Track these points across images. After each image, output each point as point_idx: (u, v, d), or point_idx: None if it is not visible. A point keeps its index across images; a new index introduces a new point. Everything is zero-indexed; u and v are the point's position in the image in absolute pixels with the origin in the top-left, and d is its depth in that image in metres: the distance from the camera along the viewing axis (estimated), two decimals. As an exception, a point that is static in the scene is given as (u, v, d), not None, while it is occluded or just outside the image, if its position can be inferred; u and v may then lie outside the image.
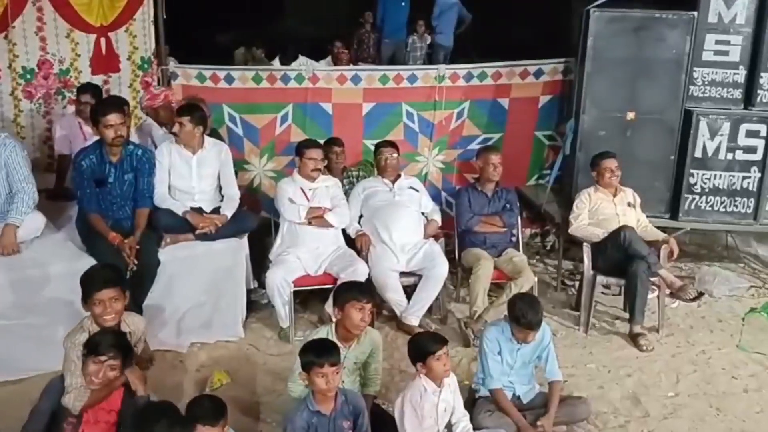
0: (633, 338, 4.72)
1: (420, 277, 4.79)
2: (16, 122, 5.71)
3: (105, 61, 5.84)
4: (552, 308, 5.19)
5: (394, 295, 4.75)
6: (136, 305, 4.16)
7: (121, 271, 3.35)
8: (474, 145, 5.93)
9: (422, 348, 3.27)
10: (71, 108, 5.55)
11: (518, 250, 5.16)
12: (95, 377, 2.98)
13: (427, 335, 3.39)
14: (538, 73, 5.95)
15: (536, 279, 4.82)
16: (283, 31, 10.52)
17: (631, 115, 5.43)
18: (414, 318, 4.73)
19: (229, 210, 4.64)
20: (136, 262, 4.16)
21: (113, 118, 4.17)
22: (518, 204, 5.32)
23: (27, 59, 5.65)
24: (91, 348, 3.01)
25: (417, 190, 5.22)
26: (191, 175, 4.63)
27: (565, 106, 5.96)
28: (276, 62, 7.92)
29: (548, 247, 6.29)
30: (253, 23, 9.91)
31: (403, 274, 4.82)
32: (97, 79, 5.75)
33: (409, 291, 4.81)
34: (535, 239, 6.39)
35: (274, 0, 11.82)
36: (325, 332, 3.48)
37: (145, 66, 5.88)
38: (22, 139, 5.63)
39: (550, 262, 6.06)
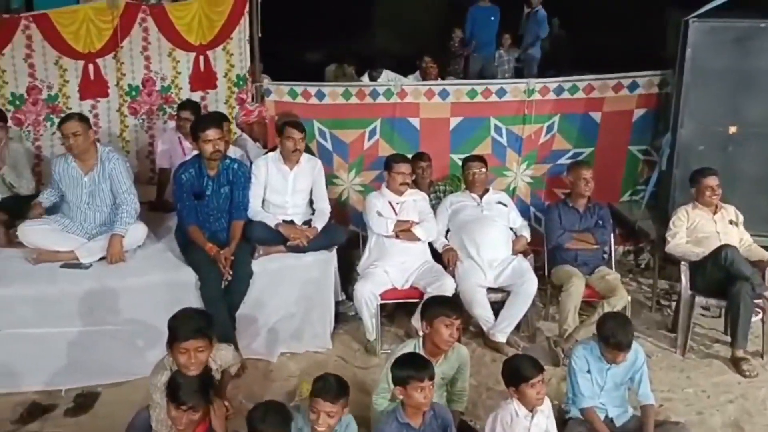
0: (735, 363, 4.49)
1: (508, 293, 4.73)
2: (122, 137, 6.03)
3: (203, 78, 6.10)
4: (646, 329, 5.01)
5: (482, 311, 4.70)
6: (230, 315, 4.32)
7: (212, 319, 3.29)
8: (564, 160, 5.82)
9: (517, 373, 3.20)
10: (172, 123, 5.80)
11: (611, 268, 5.02)
12: (179, 424, 2.93)
13: (523, 360, 3.29)
14: (633, 86, 5.77)
15: (630, 298, 4.66)
16: (373, 47, 10.66)
17: (732, 129, 5.19)
18: (501, 335, 4.67)
19: (319, 223, 4.72)
20: (231, 272, 4.30)
21: (212, 133, 4.34)
22: (611, 220, 5.16)
23: (133, 77, 5.97)
24: (173, 395, 2.93)
25: (505, 205, 5.17)
26: (286, 189, 4.74)
27: (660, 119, 5.75)
28: (365, 78, 8.02)
29: (642, 266, 6.08)
30: (344, 39, 10.09)
31: (490, 290, 4.77)
32: (196, 96, 6.01)
33: (497, 307, 4.76)
34: (628, 257, 6.18)
35: (364, 17, 12.01)
36: (413, 346, 3.49)
37: (241, 83, 6.10)
38: (126, 153, 5.97)
39: (644, 281, 5.84)
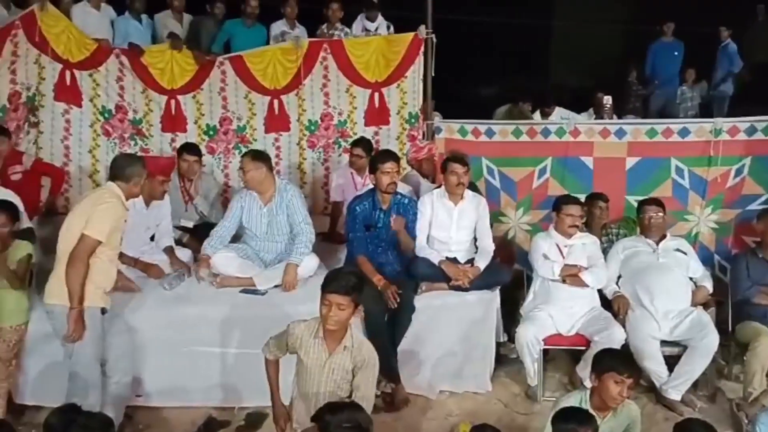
0: None
1: (685, 347, 4.41)
2: (300, 169, 6.39)
3: (377, 114, 6.33)
4: None
5: (654, 366, 4.41)
6: (392, 347, 4.38)
7: (361, 285, 3.26)
8: (755, 206, 5.34)
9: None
10: (346, 158, 6.06)
11: (807, 329, 4.51)
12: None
13: (698, 425, 3.06)
14: (838, 128, 5.22)
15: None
16: (547, 83, 10.51)
17: None
18: (676, 392, 4.36)
19: (482, 262, 4.69)
20: (396, 304, 4.38)
21: (390, 165, 4.52)
22: (808, 276, 4.66)
23: (313, 112, 6.32)
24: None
25: (684, 253, 4.83)
26: (451, 225, 4.77)
27: None
28: (536, 115, 7.90)
29: None
30: (517, 75, 10.04)
31: (664, 342, 4.47)
32: (369, 131, 6.25)
33: (671, 362, 4.44)
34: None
35: (539, 52, 11.88)
36: (578, 398, 3.35)
37: (412, 120, 6.25)
38: (303, 184, 6.32)
39: None
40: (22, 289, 3.99)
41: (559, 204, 4.78)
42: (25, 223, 4.52)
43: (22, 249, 4.01)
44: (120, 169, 3.89)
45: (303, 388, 3.30)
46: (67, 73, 5.94)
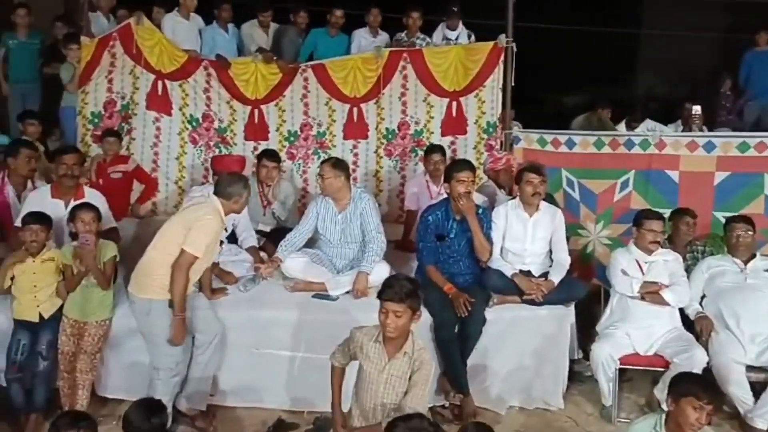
0: None
1: (773, 374, 4.17)
2: (377, 176, 6.44)
3: (454, 124, 6.31)
4: None
5: (738, 391, 4.19)
6: (462, 358, 4.34)
7: (417, 292, 3.26)
8: None
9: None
10: (421, 167, 6.06)
11: None
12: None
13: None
14: None
15: None
16: (635, 92, 10.17)
17: None
18: (762, 421, 4.13)
19: (557, 276, 4.58)
20: (466, 313, 4.35)
21: (465, 174, 4.48)
22: None
23: (390, 121, 6.37)
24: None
25: (775, 274, 4.57)
26: (525, 237, 4.69)
27: None
28: (621, 126, 7.66)
29: None
30: (603, 84, 9.78)
31: (750, 368, 4.24)
32: (445, 141, 6.23)
33: (758, 388, 4.21)
34: None
35: (627, 60, 11.52)
36: (653, 422, 3.24)
37: (490, 130, 6.19)
38: (379, 192, 6.36)
39: None
40: (106, 291, 4.18)
41: (640, 218, 4.62)
42: (110, 223, 4.74)
43: (109, 250, 4.21)
44: (223, 187, 4.14)
45: (361, 393, 3.33)
46: (159, 83, 6.22)
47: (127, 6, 6.85)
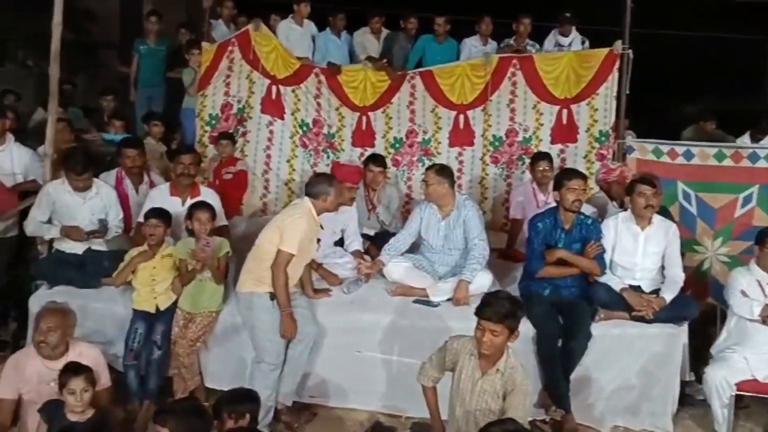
0: None
1: None
2: (482, 184, 6.37)
3: (564, 132, 6.16)
4: None
5: None
6: (564, 373, 4.23)
7: (516, 311, 3.22)
8: None
9: None
10: (528, 175, 5.95)
11: None
12: None
13: None
14: None
15: None
16: (763, 102, 9.54)
17: None
18: None
19: (669, 293, 4.37)
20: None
21: (576, 183, 4.40)
22: None
23: (498, 128, 6.29)
24: None
25: None
26: (636, 251, 4.51)
27: None
28: (746, 138, 7.21)
29: None
30: (729, 93, 9.24)
31: None
32: (554, 149, 6.08)
33: None
34: None
35: (754, 69, 10.82)
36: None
37: (603, 139, 6.00)
38: (483, 200, 6.29)
39: None
40: (220, 285, 4.37)
41: (763, 237, 4.34)
42: (222, 221, 4.94)
43: (224, 246, 4.39)
44: (311, 187, 4.37)
45: (455, 405, 3.30)
46: (273, 88, 6.43)
47: (246, 13, 7.13)
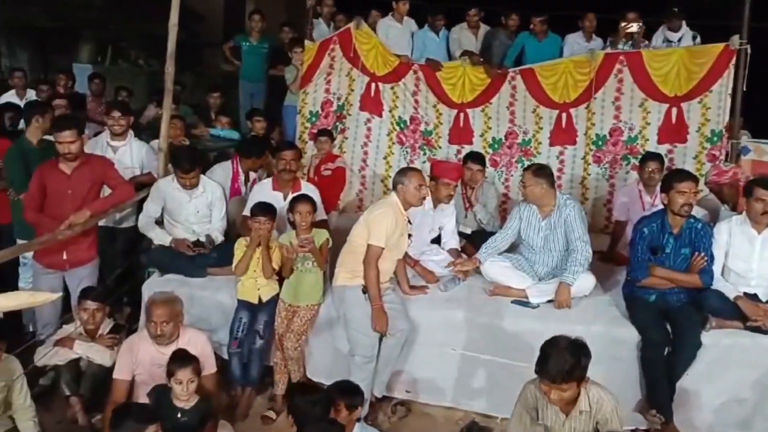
0: None
1: None
2: (583, 184, 6.22)
3: (673, 131, 5.93)
4: None
5: None
6: (670, 382, 4.07)
7: (584, 355, 3.05)
8: None
9: None
10: (633, 175, 5.74)
11: None
12: None
13: None
14: None
15: None
16: None
17: None
18: None
19: (789, 303, 4.12)
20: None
21: (687, 185, 4.21)
22: None
23: (601, 127, 6.13)
24: None
25: None
26: (752, 256, 4.27)
27: None
28: None
29: None
30: None
31: None
32: (662, 149, 5.87)
33: None
34: None
35: None
36: None
37: (714, 139, 5.73)
38: (584, 200, 6.13)
39: None
40: (322, 271, 4.45)
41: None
42: (321, 216, 5.02)
43: (322, 235, 4.47)
44: (393, 181, 4.43)
45: None
46: (373, 86, 6.51)
47: (347, 11, 7.23)
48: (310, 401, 3.27)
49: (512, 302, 4.55)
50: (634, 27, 6.23)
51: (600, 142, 6.13)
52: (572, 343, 3.04)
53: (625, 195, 5.48)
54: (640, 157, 5.73)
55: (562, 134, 6.19)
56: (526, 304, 4.52)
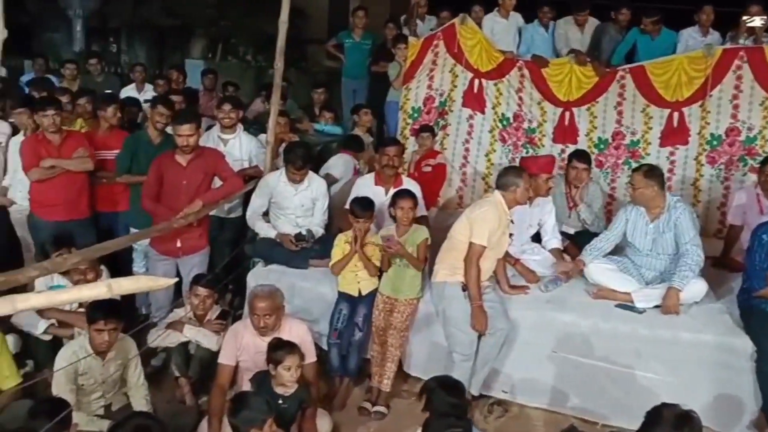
0: None
1: None
2: (695, 186, 5.91)
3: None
4: None
5: None
6: None
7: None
8: None
9: None
10: (751, 178, 5.42)
11: None
12: None
13: None
14: None
15: None
16: None
17: None
18: None
19: None
20: None
21: None
22: None
23: (717, 126, 5.81)
24: None
25: None
26: None
27: None
28: None
29: None
30: None
31: None
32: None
33: None
34: None
35: None
36: None
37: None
38: (696, 203, 5.84)
39: None
40: (419, 271, 4.46)
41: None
42: (421, 212, 5.03)
43: (421, 233, 4.48)
44: (501, 179, 4.41)
45: None
46: (476, 82, 6.44)
47: (449, 8, 7.20)
48: (451, 404, 3.23)
49: (616, 306, 4.41)
50: (757, 21, 5.88)
51: (715, 142, 5.82)
52: (679, 417, 2.72)
53: (742, 198, 5.16)
54: (759, 158, 5.43)
55: (674, 134, 5.90)
56: (631, 308, 4.37)
